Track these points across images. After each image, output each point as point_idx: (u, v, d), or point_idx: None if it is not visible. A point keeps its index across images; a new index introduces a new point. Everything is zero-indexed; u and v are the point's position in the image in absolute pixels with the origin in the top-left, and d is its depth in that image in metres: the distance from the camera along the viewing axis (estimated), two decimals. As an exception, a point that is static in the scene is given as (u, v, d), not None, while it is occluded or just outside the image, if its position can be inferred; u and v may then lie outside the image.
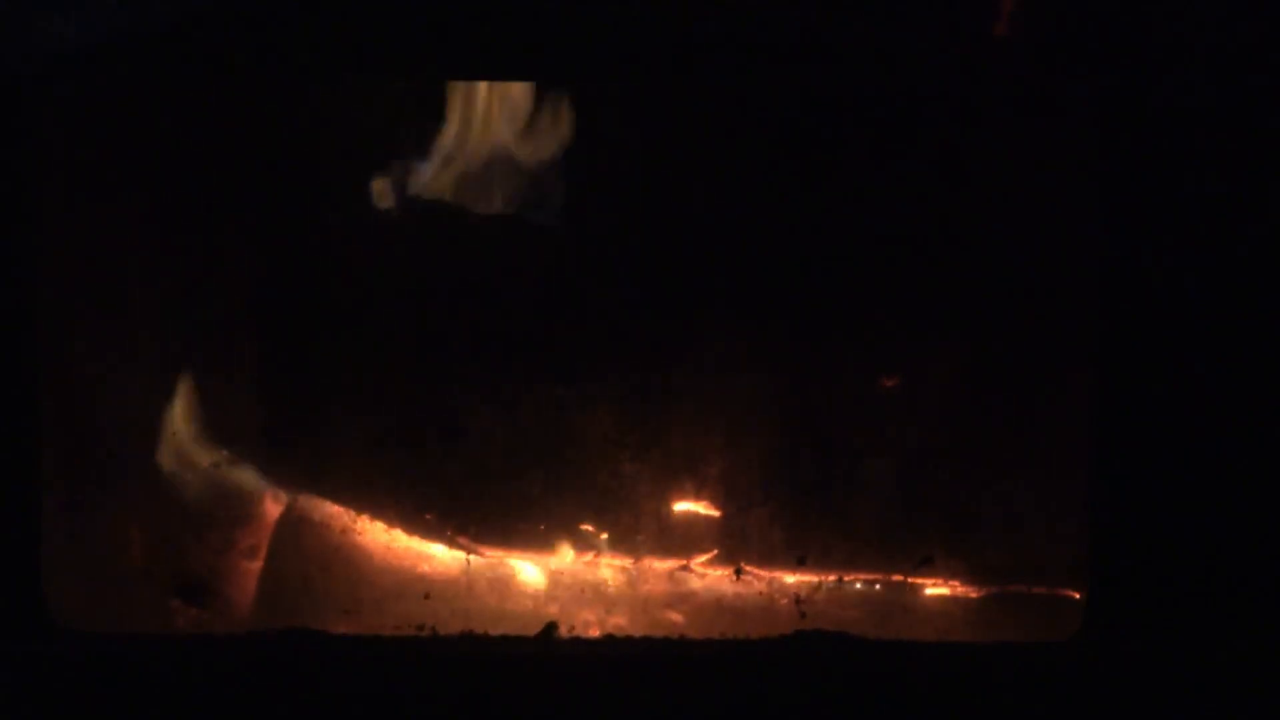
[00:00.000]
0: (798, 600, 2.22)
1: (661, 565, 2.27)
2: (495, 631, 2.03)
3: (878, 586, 2.25)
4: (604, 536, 2.26)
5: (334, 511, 2.28)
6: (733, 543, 2.26)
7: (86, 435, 2.12)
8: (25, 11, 1.92)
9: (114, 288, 2.17)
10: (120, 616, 2.09)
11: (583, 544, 2.27)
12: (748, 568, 2.25)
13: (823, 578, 2.25)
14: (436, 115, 2.23)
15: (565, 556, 2.26)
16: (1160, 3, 1.92)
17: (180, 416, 2.25)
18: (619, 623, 2.19)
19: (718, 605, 2.23)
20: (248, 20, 1.95)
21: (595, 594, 2.24)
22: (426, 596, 2.21)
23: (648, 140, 2.22)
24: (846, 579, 2.25)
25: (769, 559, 2.25)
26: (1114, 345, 1.95)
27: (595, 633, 2.13)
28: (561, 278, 2.24)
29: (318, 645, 1.97)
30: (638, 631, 2.10)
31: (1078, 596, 2.07)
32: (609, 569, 2.26)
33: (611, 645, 2.03)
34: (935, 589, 2.26)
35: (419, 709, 1.92)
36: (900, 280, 2.22)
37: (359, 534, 2.27)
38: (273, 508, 2.28)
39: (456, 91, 2.22)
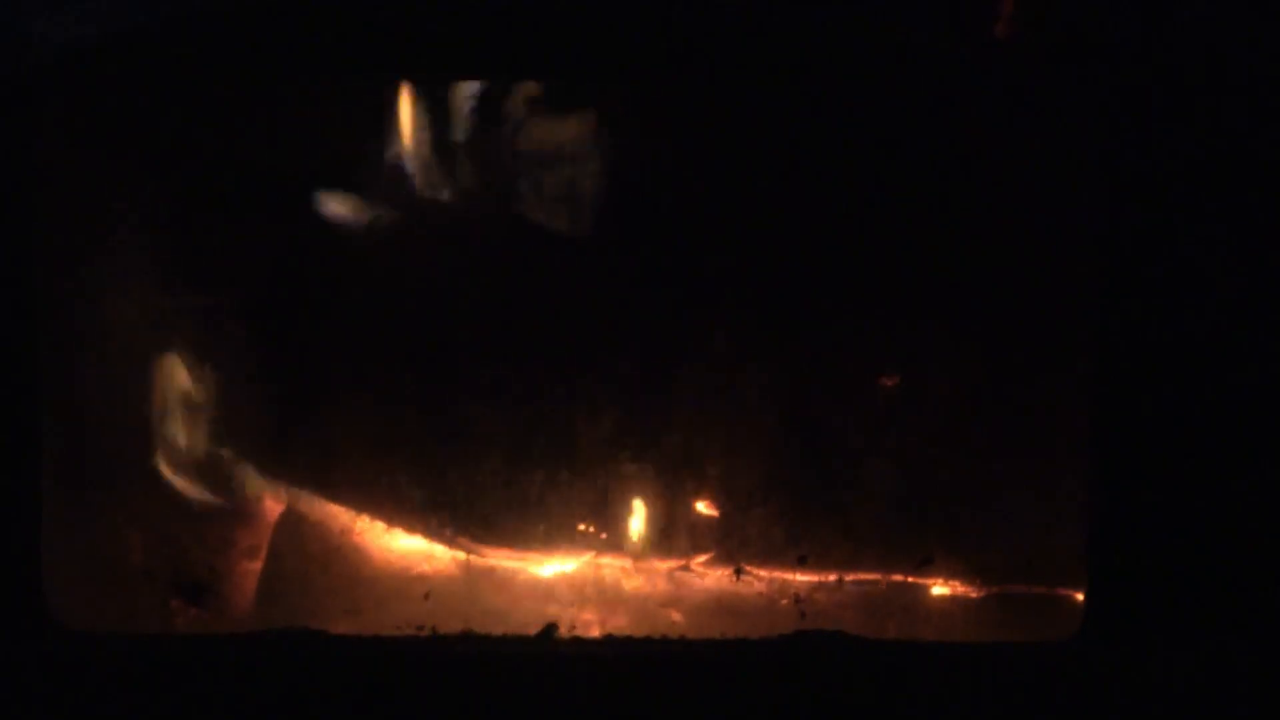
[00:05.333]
0: (798, 600, 2.22)
1: (661, 565, 2.27)
2: (495, 631, 2.03)
3: (878, 586, 2.25)
4: (604, 536, 2.26)
5: (334, 511, 2.28)
6: (733, 543, 2.26)
7: (86, 435, 2.12)
8: (25, 11, 1.92)
9: (114, 287, 2.17)
10: (120, 616, 2.09)
11: (583, 544, 2.27)
12: (748, 568, 2.25)
13: (823, 578, 2.25)
14: (438, 114, 2.23)
15: (565, 556, 2.26)
16: (1160, 3, 1.92)
17: (180, 417, 2.26)
18: (619, 623, 2.19)
19: (718, 605, 2.23)
20: (247, 19, 1.95)
21: (595, 594, 2.25)
22: (426, 596, 2.21)
23: (649, 140, 2.22)
24: (846, 579, 2.25)
25: (769, 559, 2.25)
26: (1114, 345, 1.95)
27: (595, 633, 2.13)
28: (563, 277, 2.24)
29: (318, 645, 1.97)
30: (638, 631, 2.10)
31: (1078, 596, 2.07)
32: (609, 569, 2.26)
33: (611, 645, 2.04)
34: (935, 589, 2.26)
35: (419, 709, 1.92)
36: (901, 280, 2.22)
37: (359, 534, 2.27)
38: (273, 508, 2.28)
39: (457, 91, 2.22)
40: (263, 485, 2.28)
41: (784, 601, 2.23)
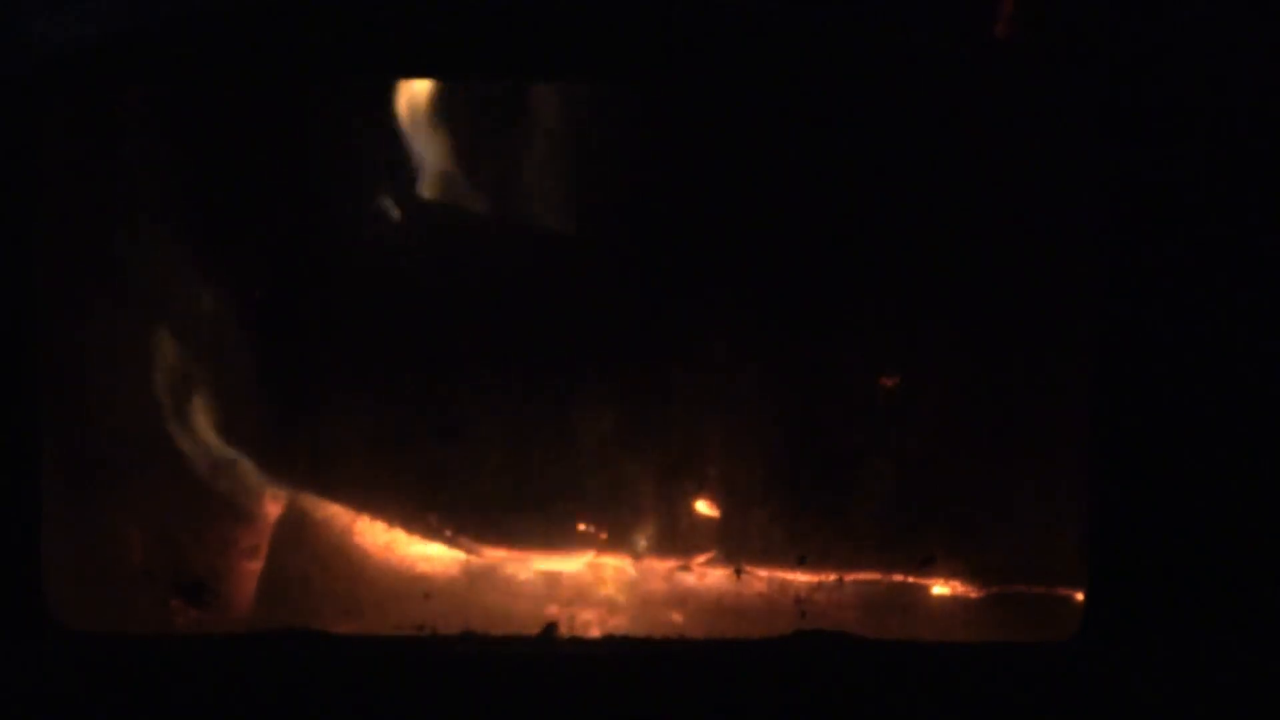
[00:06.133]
0: (798, 600, 2.22)
1: (661, 565, 2.27)
2: (495, 631, 2.03)
3: (878, 586, 2.25)
4: (604, 536, 2.26)
5: (334, 511, 2.28)
6: (733, 543, 2.26)
7: (86, 435, 2.12)
8: (25, 11, 1.92)
9: (114, 287, 2.17)
10: (120, 616, 2.09)
11: (583, 544, 2.27)
12: (748, 568, 2.25)
13: (823, 578, 2.25)
14: (439, 115, 2.23)
15: (565, 556, 2.26)
16: (1160, 3, 1.92)
17: (181, 416, 2.26)
18: (619, 623, 2.19)
19: (718, 605, 2.23)
20: (249, 18, 1.95)
21: (595, 594, 2.24)
22: (426, 596, 2.21)
23: (649, 140, 2.22)
24: (846, 579, 2.25)
25: (769, 559, 2.25)
26: (1114, 345, 1.95)
27: (595, 633, 2.13)
28: (562, 277, 2.24)
29: (318, 645, 1.97)
30: (638, 631, 2.10)
31: (1078, 596, 2.06)
32: (609, 569, 2.26)
33: (611, 645, 2.03)
34: (935, 589, 2.26)
35: (419, 709, 1.92)
36: (900, 280, 2.22)
37: (359, 534, 2.27)
38: (273, 508, 2.28)
39: (457, 92, 2.22)
40: (263, 485, 2.29)
41: (784, 602, 2.23)
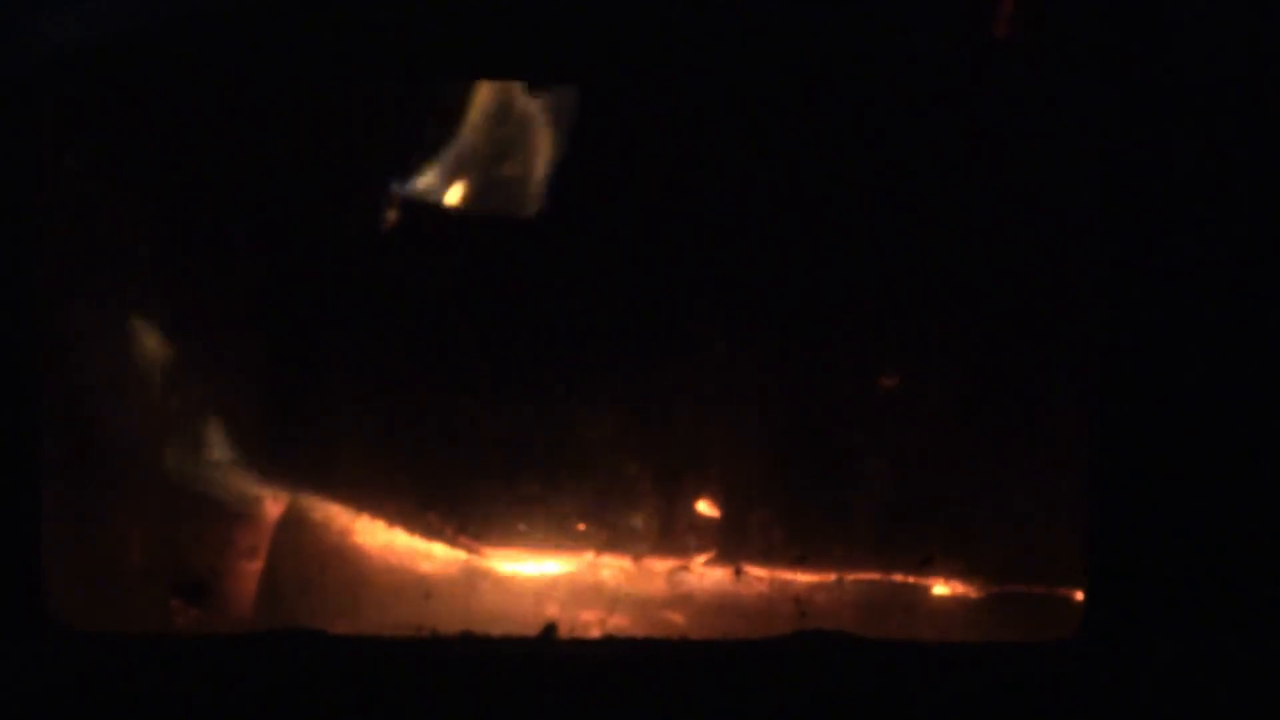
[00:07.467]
0: (798, 600, 2.22)
1: (661, 565, 2.27)
2: (495, 631, 2.03)
3: (878, 586, 2.25)
4: (604, 536, 2.26)
5: (334, 511, 2.28)
6: (733, 543, 2.26)
7: (86, 435, 2.12)
8: (25, 11, 1.92)
9: (114, 287, 2.17)
10: (120, 616, 2.09)
11: (583, 544, 2.27)
12: (748, 568, 2.25)
13: (823, 578, 2.25)
14: (437, 114, 2.23)
15: (565, 556, 2.26)
16: (1160, 3, 1.92)
17: (180, 416, 2.26)
18: (619, 623, 2.19)
19: (718, 605, 2.23)
20: (249, 19, 1.95)
21: (595, 594, 2.25)
22: (426, 596, 2.21)
23: (648, 139, 2.22)
24: (846, 579, 2.25)
25: (769, 559, 2.25)
26: (1114, 345, 1.95)
27: (595, 633, 2.13)
28: (562, 277, 2.24)
29: (318, 645, 1.97)
30: (638, 632, 2.10)
31: (1078, 596, 2.07)
32: (609, 569, 2.26)
33: (611, 645, 2.04)
34: (935, 589, 2.26)
35: (419, 709, 1.92)
36: (900, 280, 2.22)
37: (359, 534, 2.27)
38: (273, 508, 2.28)
39: (458, 92, 2.22)
40: (263, 486, 2.28)
41: (784, 602, 2.23)
